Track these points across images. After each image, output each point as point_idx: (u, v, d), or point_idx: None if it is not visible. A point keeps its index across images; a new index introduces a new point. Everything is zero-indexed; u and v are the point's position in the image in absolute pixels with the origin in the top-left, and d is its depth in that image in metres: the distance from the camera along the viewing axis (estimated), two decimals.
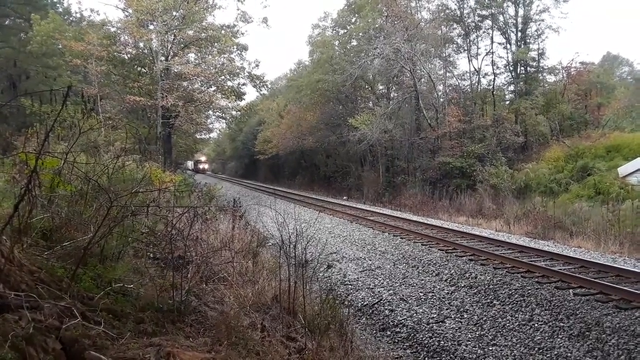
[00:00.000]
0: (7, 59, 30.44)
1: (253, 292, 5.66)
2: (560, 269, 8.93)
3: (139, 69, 26.29)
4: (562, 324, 6.57)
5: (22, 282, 2.79)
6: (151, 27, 23.67)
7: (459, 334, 6.79)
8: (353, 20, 35.49)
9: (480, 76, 30.55)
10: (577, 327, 6.40)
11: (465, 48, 30.66)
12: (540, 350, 6.04)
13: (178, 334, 3.41)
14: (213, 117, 30.83)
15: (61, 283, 3.19)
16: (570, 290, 7.72)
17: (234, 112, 29.58)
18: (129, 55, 26.19)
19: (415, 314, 7.66)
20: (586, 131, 25.57)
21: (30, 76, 29.23)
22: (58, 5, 37.07)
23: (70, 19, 35.83)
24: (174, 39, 24.20)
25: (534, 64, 29.71)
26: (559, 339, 6.23)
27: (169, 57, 23.87)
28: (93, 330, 2.68)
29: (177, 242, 5.57)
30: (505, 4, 29.13)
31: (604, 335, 6.06)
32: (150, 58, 24.26)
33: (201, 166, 73.91)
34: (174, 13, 23.32)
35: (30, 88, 26.59)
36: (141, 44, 24.86)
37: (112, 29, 26.19)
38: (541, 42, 29.25)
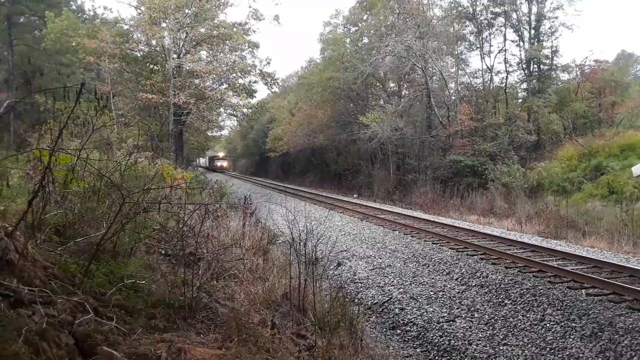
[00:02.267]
0: (21, 56, 30.85)
1: (263, 289, 5.67)
2: (573, 269, 8.84)
3: (151, 66, 26.49)
4: (574, 324, 6.51)
5: (35, 277, 2.82)
6: (163, 24, 23.82)
7: (470, 333, 6.76)
8: (365, 17, 35.42)
9: (493, 74, 30.41)
10: (589, 328, 6.34)
11: (478, 46, 30.54)
12: (552, 351, 5.99)
13: (189, 330, 3.43)
14: (224, 114, 31.08)
15: (74, 279, 3.22)
16: (583, 291, 7.65)
17: (245, 110, 29.77)
18: (141, 53, 26.40)
19: (425, 313, 7.63)
20: (600, 130, 25.30)
21: (44, 73, 29.58)
22: (72, 2, 37.46)
23: (84, 16, 36.20)
24: (186, 37, 24.36)
25: (547, 61, 29.47)
26: (571, 339, 6.17)
27: (181, 55, 24.03)
28: (105, 325, 2.71)
29: (188, 239, 5.60)
30: (518, 1, 28.94)
31: (616, 336, 6.00)
32: (163, 56, 24.45)
33: (219, 163, 65.11)
34: (186, 11, 23.48)
35: (44, 85, 26.86)
36: (153, 42, 25.04)
37: (125, 27, 26.48)
38: (555, 39, 29.04)
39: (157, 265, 4.83)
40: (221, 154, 69.99)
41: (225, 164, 67.25)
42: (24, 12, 33.19)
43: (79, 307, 2.73)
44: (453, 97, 29.84)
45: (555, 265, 9.09)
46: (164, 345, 2.74)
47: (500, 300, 7.82)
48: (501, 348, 6.23)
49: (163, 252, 5.66)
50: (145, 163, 9.89)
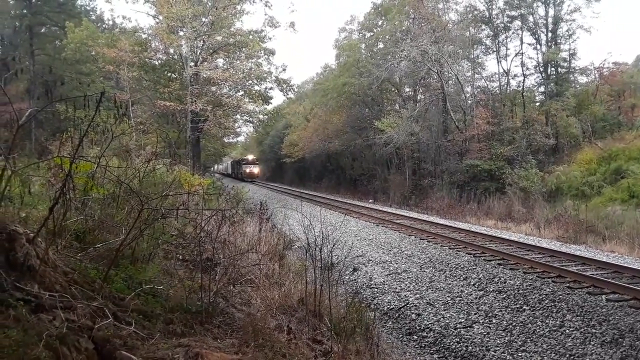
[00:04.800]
0: (43, 66, 31.47)
1: (279, 294, 5.70)
2: (593, 274, 8.71)
3: (169, 74, 26.79)
4: (594, 330, 6.41)
5: (56, 282, 2.88)
6: (181, 33, 24.09)
7: (488, 339, 6.69)
8: (380, 23, 35.41)
9: (510, 77, 30.04)
10: (609, 334, 6.23)
11: (494, 49, 30.24)
12: (572, 357, 5.90)
13: (206, 335, 3.47)
14: (241, 121, 31.22)
15: (94, 284, 3.27)
16: (603, 296, 7.53)
17: (261, 116, 29.92)
18: (159, 61, 26.74)
19: (442, 319, 7.58)
20: (619, 133, 24.87)
21: (65, 82, 30.01)
22: (91, 13, 38.15)
23: (103, 26, 36.82)
24: (203, 45, 24.62)
25: (565, 64, 29.12)
26: (591, 346, 6.07)
27: (198, 63, 24.28)
28: (124, 330, 2.75)
29: (205, 245, 5.65)
30: (535, 4, 28.63)
31: (638, 342, 5.89)
32: (180, 64, 24.72)
33: (248, 169, 52.21)
34: (203, 19, 23.74)
35: (64, 94, 27.07)
36: (171, 50, 25.34)
37: (143, 36, 26.83)
38: (572, 42, 28.66)
39: (175, 270, 4.89)
40: (250, 157, 55.62)
41: (256, 170, 53.23)
42: (45, 22, 33.90)
43: (98, 312, 2.78)
44: (469, 101, 29.63)
45: (575, 271, 8.96)
46: (181, 350, 2.78)
47: (518, 306, 7.73)
48: (520, 354, 6.16)
49: (180, 257, 5.72)
50: (164, 170, 10.02)
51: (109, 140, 5.13)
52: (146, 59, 25.10)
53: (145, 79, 25.53)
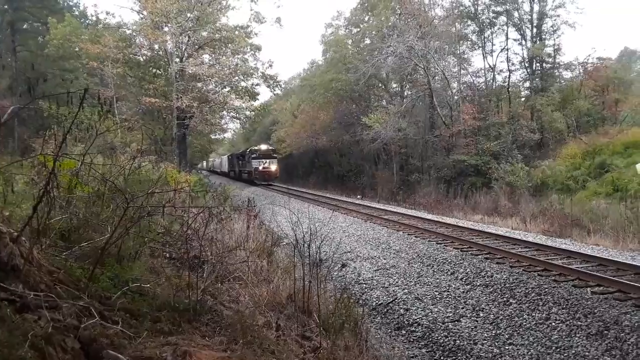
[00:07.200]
0: (25, 63, 30.99)
1: (268, 291, 5.68)
2: (578, 267, 8.82)
3: (154, 70, 26.58)
4: (579, 323, 6.49)
5: (41, 282, 2.83)
6: (166, 29, 23.92)
7: (475, 332, 6.74)
8: (366, 18, 35.46)
9: (495, 73, 30.42)
10: (595, 326, 6.31)
11: (480, 45, 30.57)
12: (558, 349, 5.97)
13: (194, 333, 3.44)
14: (227, 117, 31.13)
15: (79, 283, 3.23)
16: (588, 289, 7.63)
17: (247, 113, 29.81)
18: (144, 57, 26.51)
19: (430, 313, 7.61)
20: (603, 127, 25.25)
21: (48, 79, 29.58)
22: (74, 8, 37.62)
23: (87, 22, 36.25)
24: (188, 41, 24.46)
25: (550, 60, 29.45)
26: (576, 338, 6.15)
27: (184, 59, 24.11)
28: (111, 329, 2.72)
29: (192, 242, 5.61)
30: (520, 0, 28.90)
31: (622, 334, 5.98)
32: (165, 60, 24.54)
33: (262, 166, 37.00)
34: (188, 15, 23.55)
35: (47, 91, 26.81)
36: (156, 46, 25.15)
37: (128, 32, 26.55)
38: (557, 38, 29.05)
39: (162, 268, 4.84)
40: (264, 147, 39.45)
41: (274, 167, 37.99)
42: (27, 18, 33.37)
43: (84, 311, 2.74)
44: (456, 97, 29.83)
45: (560, 264, 9.06)
46: (169, 348, 2.75)
47: (505, 299, 7.81)
48: (507, 347, 6.21)
49: (167, 255, 5.67)
50: (149, 167, 9.93)
51: (93, 138, 5.07)
52: (131, 55, 24.89)
53: (130, 75, 25.31)
